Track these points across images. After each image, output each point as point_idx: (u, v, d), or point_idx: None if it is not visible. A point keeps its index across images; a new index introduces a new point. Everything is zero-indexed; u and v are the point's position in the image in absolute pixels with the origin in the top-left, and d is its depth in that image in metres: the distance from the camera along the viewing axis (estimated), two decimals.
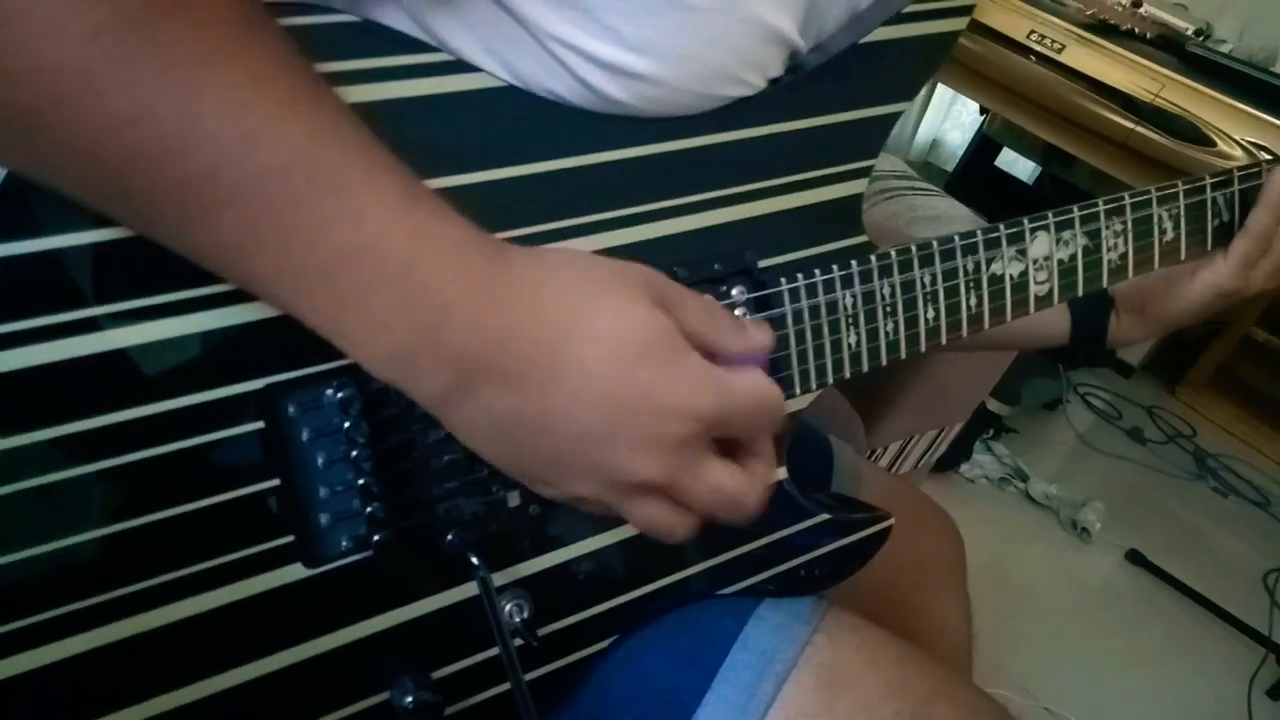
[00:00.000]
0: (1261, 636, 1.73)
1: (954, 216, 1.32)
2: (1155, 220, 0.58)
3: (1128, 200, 0.57)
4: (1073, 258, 0.57)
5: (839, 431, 1.02)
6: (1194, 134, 1.56)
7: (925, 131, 2.75)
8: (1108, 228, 0.57)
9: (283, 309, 0.34)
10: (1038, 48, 1.73)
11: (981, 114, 2.39)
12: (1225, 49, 1.92)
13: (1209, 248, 0.61)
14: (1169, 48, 1.68)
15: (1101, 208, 0.56)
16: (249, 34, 0.31)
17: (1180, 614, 1.81)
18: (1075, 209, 0.56)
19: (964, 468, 1.97)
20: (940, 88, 2.66)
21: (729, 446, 0.41)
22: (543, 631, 0.47)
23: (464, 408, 0.36)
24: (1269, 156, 0.62)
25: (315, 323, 0.34)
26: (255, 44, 0.31)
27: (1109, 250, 0.57)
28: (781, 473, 0.53)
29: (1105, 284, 0.58)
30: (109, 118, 0.28)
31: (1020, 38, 1.74)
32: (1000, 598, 1.70)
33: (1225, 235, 0.61)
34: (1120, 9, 1.70)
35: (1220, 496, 2.31)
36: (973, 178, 2.48)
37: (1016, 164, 2.56)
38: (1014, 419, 2.14)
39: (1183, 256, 0.60)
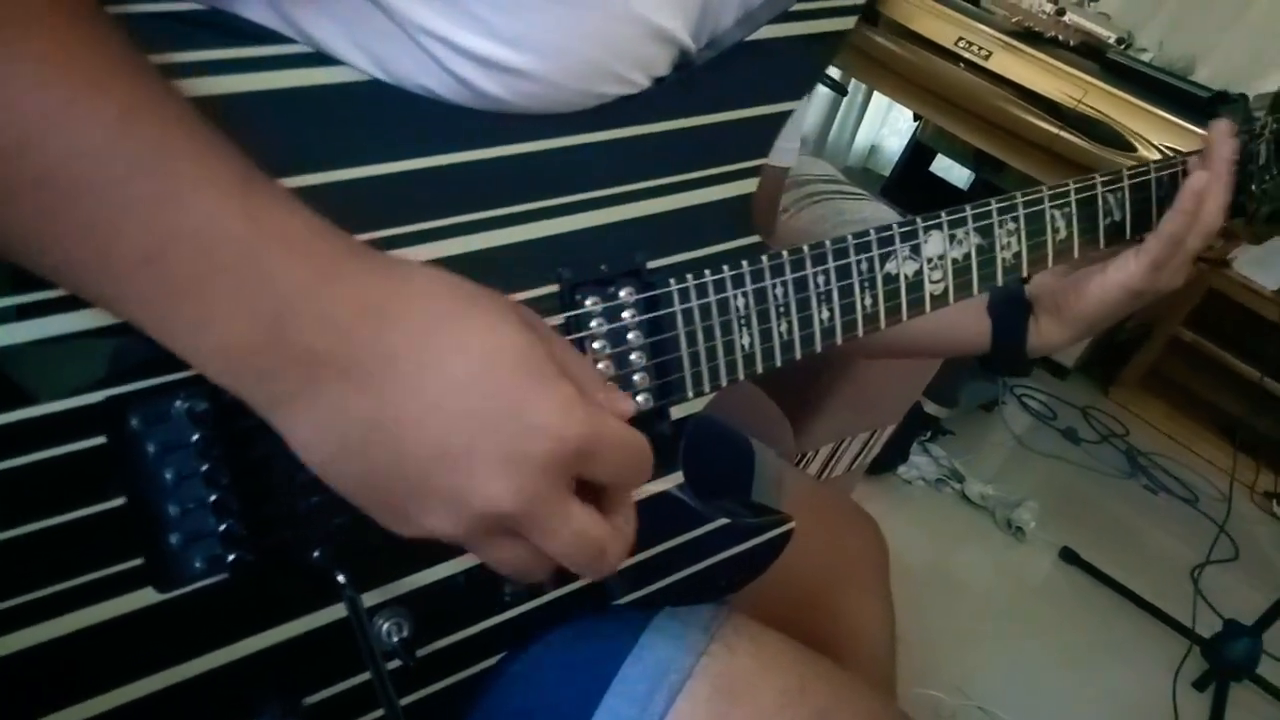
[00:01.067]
0: (1186, 629, 1.77)
1: (882, 220, 1.33)
2: (1048, 219, 0.59)
3: (1020, 199, 0.57)
4: (967, 256, 0.57)
5: (767, 435, 1.02)
6: (1115, 139, 1.60)
7: (863, 137, 2.78)
8: (1001, 227, 0.57)
9: (109, 306, 0.32)
10: (966, 54, 1.75)
11: (915, 120, 2.42)
12: (1146, 57, 1.97)
13: (1101, 246, 0.62)
14: (1091, 55, 1.71)
15: (994, 206, 0.56)
16: (59, 7, 0.29)
17: (1111, 610, 1.85)
18: (968, 208, 0.56)
19: (901, 469, 1.99)
20: (877, 95, 2.69)
21: (592, 498, 0.37)
22: (424, 651, 0.45)
23: (307, 415, 0.33)
24: (1158, 159, 0.62)
25: (142, 319, 0.32)
26: (67, 18, 0.29)
27: (1003, 249, 0.58)
28: (677, 478, 0.52)
29: (1000, 282, 0.58)
30: None
31: (949, 44, 1.76)
32: (937, 598, 1.72)
33: (1117, 233, 0.62)
34: (1044, 17, 1.73)
35: (1151, 494, 2.37)
36: (908, 183, 2.51)
37: (952, 170, 2.60)
38: (951, 421, 2.17)
39: (1075, 255, 0.61)
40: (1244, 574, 2.11)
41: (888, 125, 2.80)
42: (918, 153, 2.50)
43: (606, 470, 0.36)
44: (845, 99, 2.61)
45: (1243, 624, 1.67)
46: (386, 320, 0.33)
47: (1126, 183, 0.61)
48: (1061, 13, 1.73)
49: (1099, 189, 0.60)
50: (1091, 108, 1.62)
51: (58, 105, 0.29)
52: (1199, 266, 2.35)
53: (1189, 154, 0.63)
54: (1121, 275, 0.62)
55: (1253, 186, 0.64)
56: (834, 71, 2.32)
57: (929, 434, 2.10)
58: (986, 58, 1.72)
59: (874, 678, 0.77)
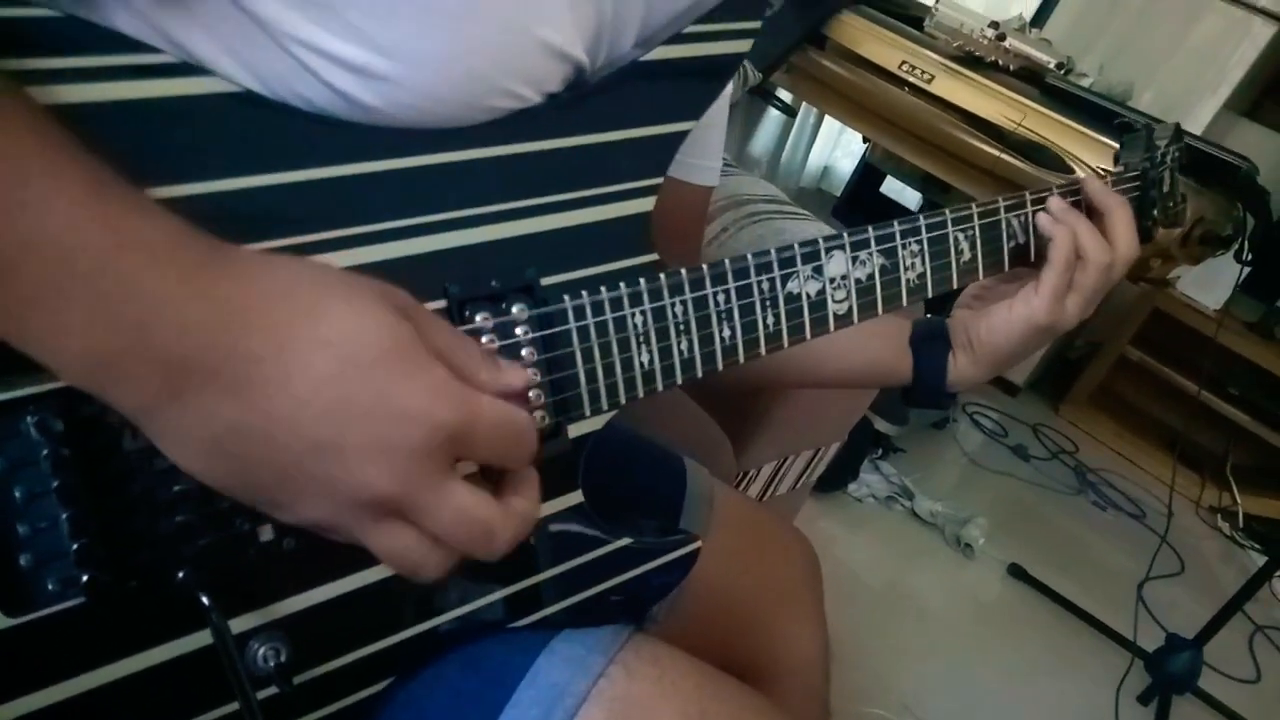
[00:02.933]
0: (1129, 643, 1.78)
1: None
2: (951, 241, 0.59)
3: (923, 221, 0.58)
4: (870, 276, 0.57)
5: (707, 454, 1.01)
6: (1055, 162, 1.63)
7: (816, 159, 2.81)
8: (904, 248, 0.57)
9: None
10: (909, 78, 1.78)
11: (865, 142, 2.45)
12: (1086, 82, 2.02)
13: (1006, 268, 0.62)
14: (1031, 80, 1.75)
15: (896, 228, 0.57)
16: None
17: (1057, 625, 1.86)
18: (870, 229, 0.56)
19: (851, 487, 1.99)
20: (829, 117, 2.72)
21: (488, 479, 0.38)
22: (303, 677, 0.44)
23: (177, 420, 0.33)
24: (1060, 183, 0.63)
25: (3, 327, 0.31)
26: None
27: (907, 270, 0.58)
28: (576, 497, 0.51)
29: (905, 303, 0.59)
30: None
31: (893, 68, 1.79)
32: (886, 616, 1.72)
33: (1022, 256, 0.63)
34: (985, 42, 1.76)
35: (1099, 510, 2.40)
36: (860, 204, 2.54)
37: (904, 192, 2.63)
38: (902, 439, 2.19)
39: (980, 276, 0.61)
40: (1188, 588, 2.14)
41: (840, 147, 2.83)
42: (868, 174, 2.53)
43: (486, 451, 0.38)
44: (797, 121, 2.64)
45: (1184, 638, 1.69)
46: (248, 325, 0.33)
47: (1029, 207, 0.62)
48: (1002, 38, 1.76)
49: (1002, 212, 0.61)
50: (1032, 131, 1.64)
51: None
52: (1142, 287, 2.40)
53: (1079, 180, 0.65)
54: (1026, 309, 0.63)
55: (1155, 211, 0.65)
56: (785, 95, 2.35)
57: (880, 451, 2.12)
58: (929, 81, 1.75)
59: (806, 699, 0.76)
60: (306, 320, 0.34)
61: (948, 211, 0.58)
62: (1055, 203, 0.63)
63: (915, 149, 1.84)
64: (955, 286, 0.61)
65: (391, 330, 0.35)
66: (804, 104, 2.53)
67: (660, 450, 0.83)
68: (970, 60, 1.75)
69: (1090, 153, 1.58)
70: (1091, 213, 0.64)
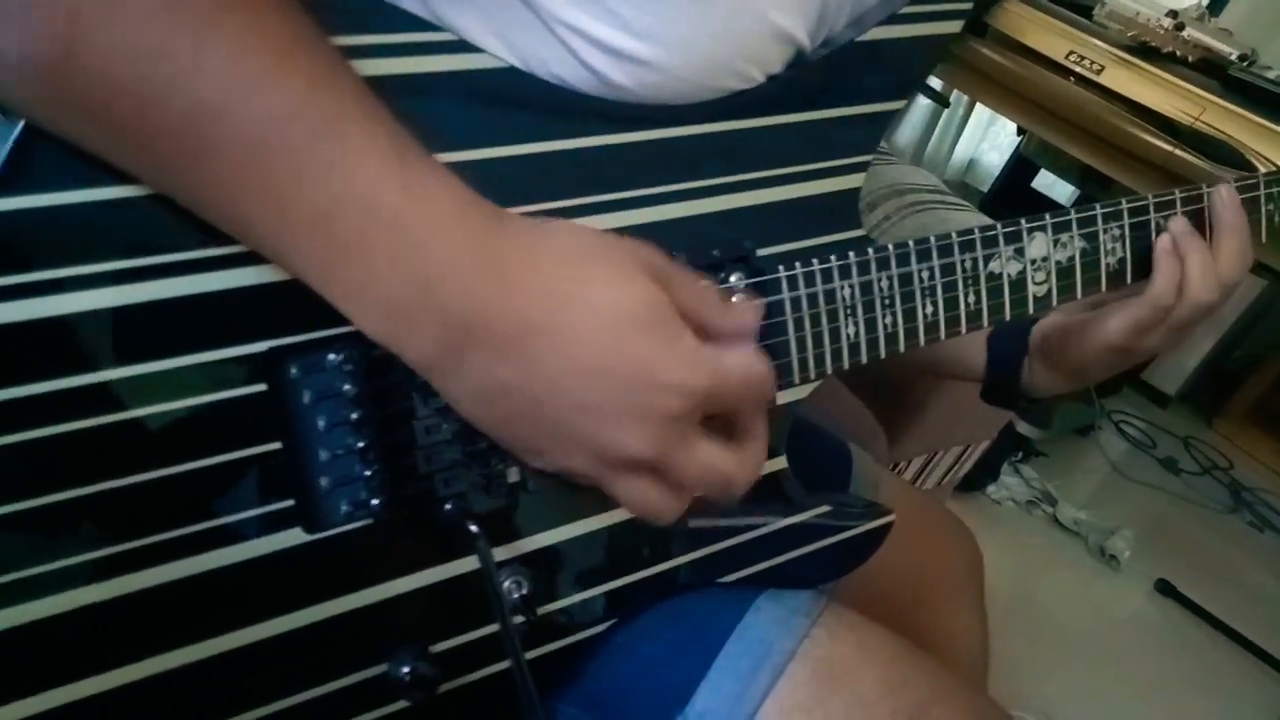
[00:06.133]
0: None
1: None
2: (1153, 226, 0.58)
3: (1125, 205, 0.57)
4: (1071, 259, 0.57)
5: (862, 443, 1.01)
6: (1234, 158, 1.54)
7: (962, 151, 2.73)
8: (1105, 231, 0.57)
9: (280, 261, 0.35)
10: (1077, 69, 1.71)
11: (1019, 134, 2.37)
12: (1271, 75, 1.89)
13: None
14: (1211, 71, 1.65)
15: (1099, 211, 0.56)
16: None
17: (1209, 647, 1.77)
18: (1073, 212, 0.55)
19: (990, 489, 1.94)
20: (978, 108, 2.64)
21: (720, 425, 0.41)
22: (540, 611, 0.47)
23: (456, 373, 0.36)
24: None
25: (309, 275, 0.35)
26: None
27: (1107, 254, 0.57)
28: (781, 462, 0.53)
29: (1104, 288, 0.58)
30: (124, 50, 0.29)
31: (1059, 58, 1.72)
32: (1024, 622, 1.67)
33: None
34: (1162, 32, 1.68)
35: (1256, 531, 2.25)
36: (1008, 198, 2.46)
37: (1054, 186, 2.53)
38: (1044, 443, 2.11)
39: None
40: None
41: (988, 140, 2.75)
42: (1020, 167, 2.45)
43: (731, 403, 0.40)
44: (946, 112, 2.57)
45: None
46: (524, 289, 0.36)
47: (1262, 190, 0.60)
48: (1180, 27, 1.67)
49: (1206, 199, 0.59)
50: (1210, 125, 1.56)
51: (255, 73, 0.31)
52: None
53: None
54: (1101, 331, 0.59)
55: None
56: (936, 83, 2.29)
57: (1020, 455, 2.05)
58: (1099, 72, 1.67)
59: None
60: (573, 286, 0.37)
61: (1150, 196, 0.57)
62: (1177, 224, 0.57)
63: (1077, 141, 1.77)
64: None
65: (649, 298, 0.37)
66: (954, 93, 2.46)
67: (826, 434, 0.84)
68: (1144, 51, 1.67)
69: (1276, 149, 1.49)
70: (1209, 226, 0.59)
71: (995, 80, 1.85)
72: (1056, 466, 2.13)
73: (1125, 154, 1.68)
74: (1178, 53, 1.67)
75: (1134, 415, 2.55)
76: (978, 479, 1.89)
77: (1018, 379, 0.67)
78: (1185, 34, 1.67)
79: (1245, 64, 1.70)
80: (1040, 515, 1.96)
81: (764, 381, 0.41)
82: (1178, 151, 1.60)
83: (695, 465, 0.39)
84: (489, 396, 0.37)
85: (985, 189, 2.69)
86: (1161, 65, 1.64)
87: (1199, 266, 0.56)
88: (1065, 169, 2.19)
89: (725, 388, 0.39)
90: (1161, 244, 0.57)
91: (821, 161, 0.52)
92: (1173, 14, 1.69)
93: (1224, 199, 0.57)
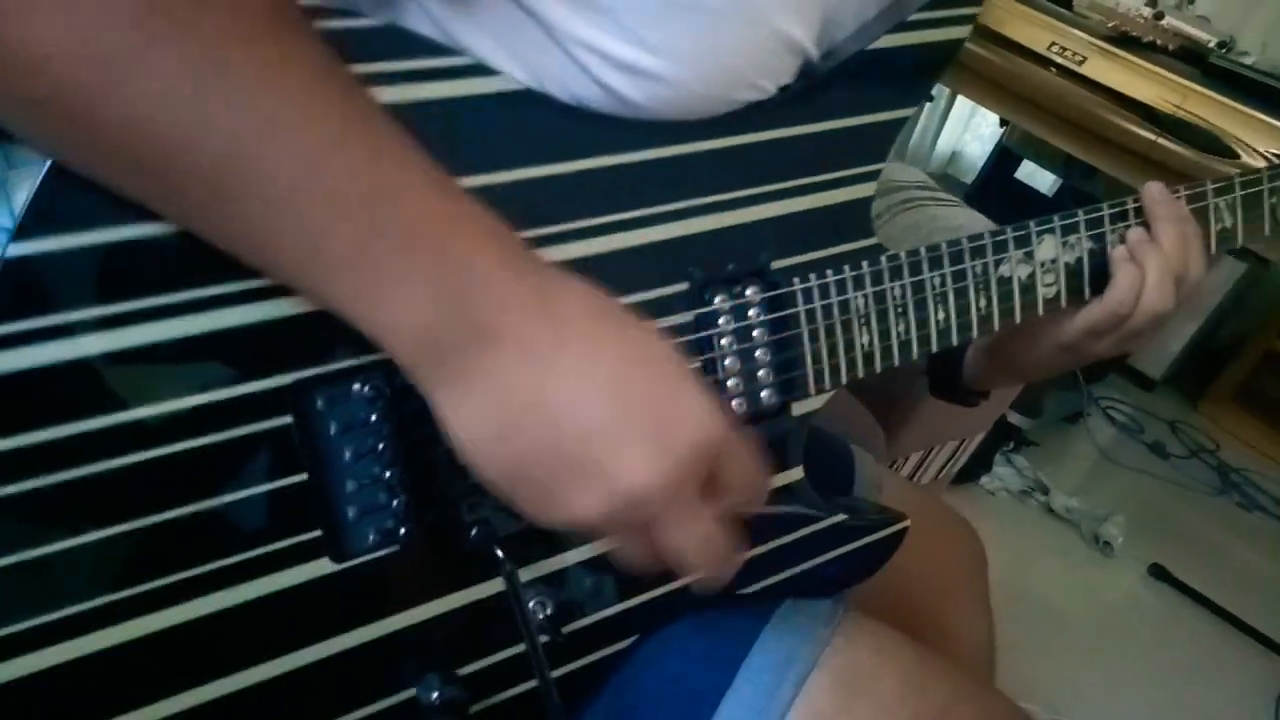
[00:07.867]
0: None
1: (975, 227, 1.32)
2: None
3: (1130, 205, 0.57)
4: (1079, 261, 0.57)
5: (861, 442, 1.02)
6: (1216, 145, 1.56)
7: (944, 143, 2.75)
8: (1113, 232, 0.57)
9: (312, 294, 0.34)
10: (1059, 59, 1.72)
11: (1001, 126, 2.39)
12: (1248, 61, 1.91)
13: (1212, 252, 0.61)
14: (1191, 59, 1.67)
15: (1106, 212, 0.57)
16: (276, 17, 0.32)
17: (1204, 629, 1.79)
18: (1080, 214, 0.56)
19: (984, 480, 1.96)
20: (960, 100, 2.66)
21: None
22: (565, 630, 0.47)
23: (479, 390, 0.35)
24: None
25: (341, 303, 0.34)
26: (283, 27, 0.32)
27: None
28: (798, 473, 0.54)
29: None
30: (153, 98, 0.29)
31: (1041, 49, 1.74)
32: (1021, 610, 1.69)
33: (1227, 240, 0.61)
34: (1142, 21, 1.69)
35: (1245, 511, 2.28)
36: (992, 190, 2.47)
37: (1036, 176, 2.55)
38: (1035, 432, 2.13)
39: (1213, 251, 0.60)
40: None
41: (970, 131, 2.76)
42: (1003, 158, 2.47)
43: (735, 477, 0.39)
44: (928, 105, 2.59)
45: None
46: (558, 308, 0.35)
47: (1239, 192, 0.61)
48: (1160, 16, 1.69)
49: (1208, 196, 0.60)
50: (1191, 113, 1.58)
51: (282, 111, 0.31)
52: None
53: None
54: (1054, 329, 0.59)
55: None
56: None
57: (1012, 444, 2.07)
58: (1080, 63, 1.69)
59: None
60: (607, 318, 0.37)
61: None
62: (1134, 234, 0.57)
63: (1061, 132, 1.79)
64: None
65: (672, 350, 0.38)
66: (937, 86, 2.48)
67: (828, 436, 0.85)
68: (1125, 40, 1.68)
69: (1258, 135, 1.51)
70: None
71: (978, 72, 1.87)
72: (1047, 455, 2.15)
73: (1108, 143, 1.70)
74: (1158, 41, 1.68)
75: (1120, 400, 2.57)
76: (971, 470, 1.90)
77: (959, 372, 0.68)
78: (1165, 23, 1.69)
79: (1224, 50, 1.72)
80: (1033, 504, 1.98)
81: (764, 478, 0.40)
82: (1160, 140, 1.61)
83: (701, 527, 0.37)
84: (506, 417, 0.35)
85: (969, 181, 2.71)
86: (1142, 54, 1.65)
87: (1156, 279, 0.56)
88: (1048, 160, 2.21)
89: (735, 454, 0.38)
90: (1119, 252, 0.57)
91: (835, 171, 0.52)
92: (1152, 3, 1.70)
93: (1152, 194, 0.57)
